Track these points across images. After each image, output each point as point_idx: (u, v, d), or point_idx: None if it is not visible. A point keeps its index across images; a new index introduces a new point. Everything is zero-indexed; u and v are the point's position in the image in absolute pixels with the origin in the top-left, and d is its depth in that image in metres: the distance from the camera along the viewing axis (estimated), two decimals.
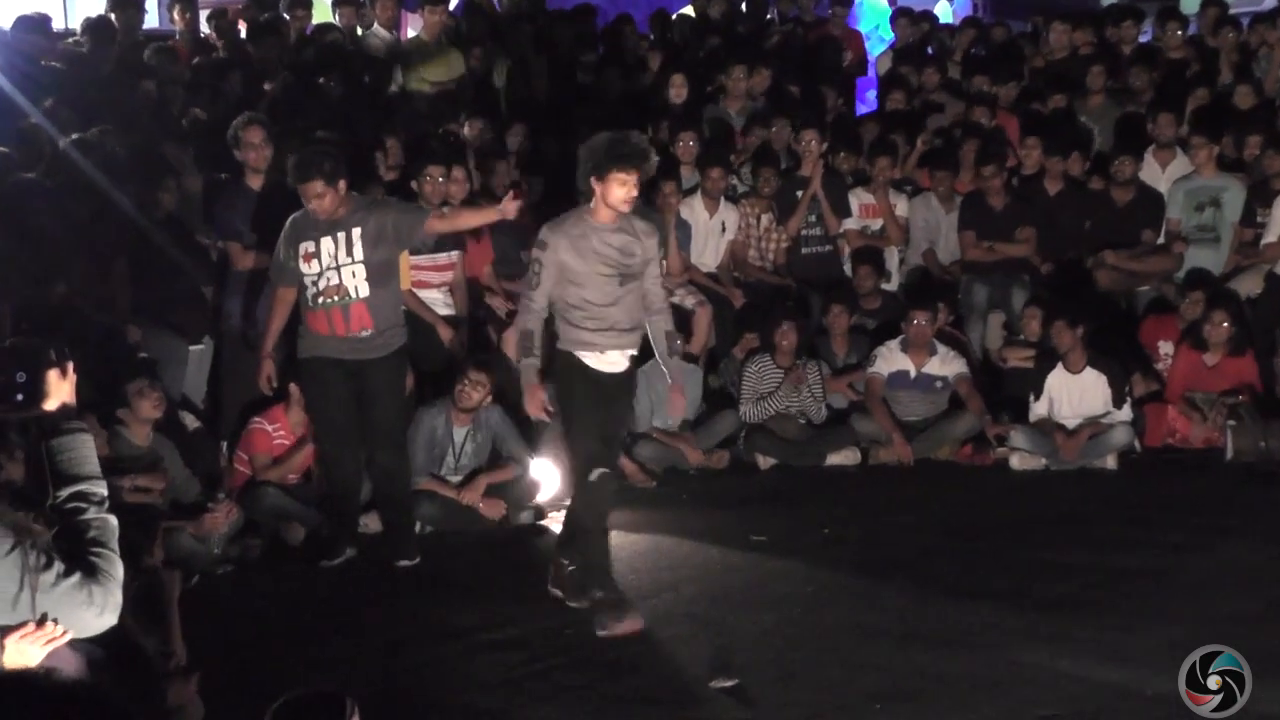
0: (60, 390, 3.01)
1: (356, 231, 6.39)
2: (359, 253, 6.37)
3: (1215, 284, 8.98)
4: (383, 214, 6.46)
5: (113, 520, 2.94)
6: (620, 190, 5.54)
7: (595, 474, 5.62)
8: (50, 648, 2.86)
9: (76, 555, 2.85)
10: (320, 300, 6.40)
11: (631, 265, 5.67)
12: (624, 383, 5.85)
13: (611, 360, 5.73)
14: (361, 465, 6.69)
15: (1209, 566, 6.16)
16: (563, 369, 5.74)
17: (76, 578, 2.81)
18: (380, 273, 6.43)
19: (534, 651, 5.29)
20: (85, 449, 2.96)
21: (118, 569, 2.88)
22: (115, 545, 2.91)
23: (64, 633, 2.83)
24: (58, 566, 2.80)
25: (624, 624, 5.45)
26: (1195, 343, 8.54)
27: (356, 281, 6.39)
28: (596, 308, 5.64)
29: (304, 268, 6.39)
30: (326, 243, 6.37)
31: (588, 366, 5.68)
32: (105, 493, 2.96)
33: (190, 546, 6.20)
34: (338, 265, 6.37)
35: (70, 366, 3.06)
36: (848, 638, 5.36)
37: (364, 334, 6.43)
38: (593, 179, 5.57)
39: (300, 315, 6.51)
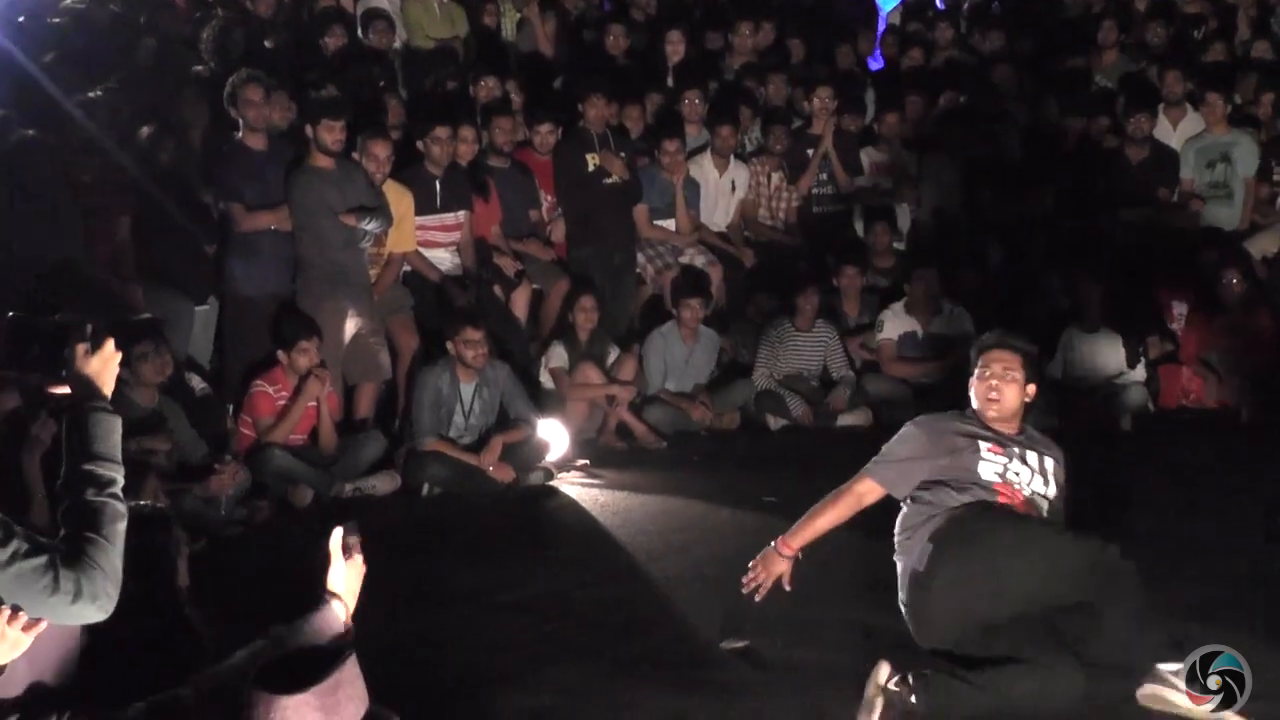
0: (87, 367, 2.88)
1: None
2: None
3: (1228, 242, 8.90)
4: None
5: (117, 506, 2.75)
6: None
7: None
8: (30, 635, 2.70)
9: (68, 538, 2.68)
10: None
11: None
12: None
13: None
14: None
15: (1224, 527, 6.12)
16: None
17: (42, 560, 2.61)
18: None
19: (544, 614, 5.25)
20: (100, 429, 2.81)
21: (109, 558, 2.68)
22: (111, 533, 2.71)
23: (38, 620, 2.66)
24: (16, 544, 2.62)
25: None
26: (1209, 302, 8.48)
27: None
28: None
29: None
30: None
31: None
32: (114, 476, 2.78)
33: (197, 508, 6.17)
34: None
35: (108, 344, 2.90)
36: (861, 599, 5.30)
37: None
38: None
39: None
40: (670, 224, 8.99)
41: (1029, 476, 4.52)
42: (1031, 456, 4.56)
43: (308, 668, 2.68)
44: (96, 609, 2.67)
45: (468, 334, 7.14)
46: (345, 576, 3.08)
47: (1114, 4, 10.85)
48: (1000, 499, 4.45)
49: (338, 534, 3.09)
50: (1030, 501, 4.50)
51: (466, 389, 7.23)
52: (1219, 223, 9.18)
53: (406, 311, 7.93)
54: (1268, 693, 4.10)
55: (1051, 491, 4.56)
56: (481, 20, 9.92)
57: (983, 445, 4.53)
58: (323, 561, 3.06)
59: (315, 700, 2.61)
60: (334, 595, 3.07)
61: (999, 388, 4.55)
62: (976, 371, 4.62)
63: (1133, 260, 9.26)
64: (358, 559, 3.10)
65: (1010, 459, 4.52)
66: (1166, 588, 5.24)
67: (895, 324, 8.49)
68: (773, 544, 4.64)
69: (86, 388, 2.86)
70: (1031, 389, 4.61)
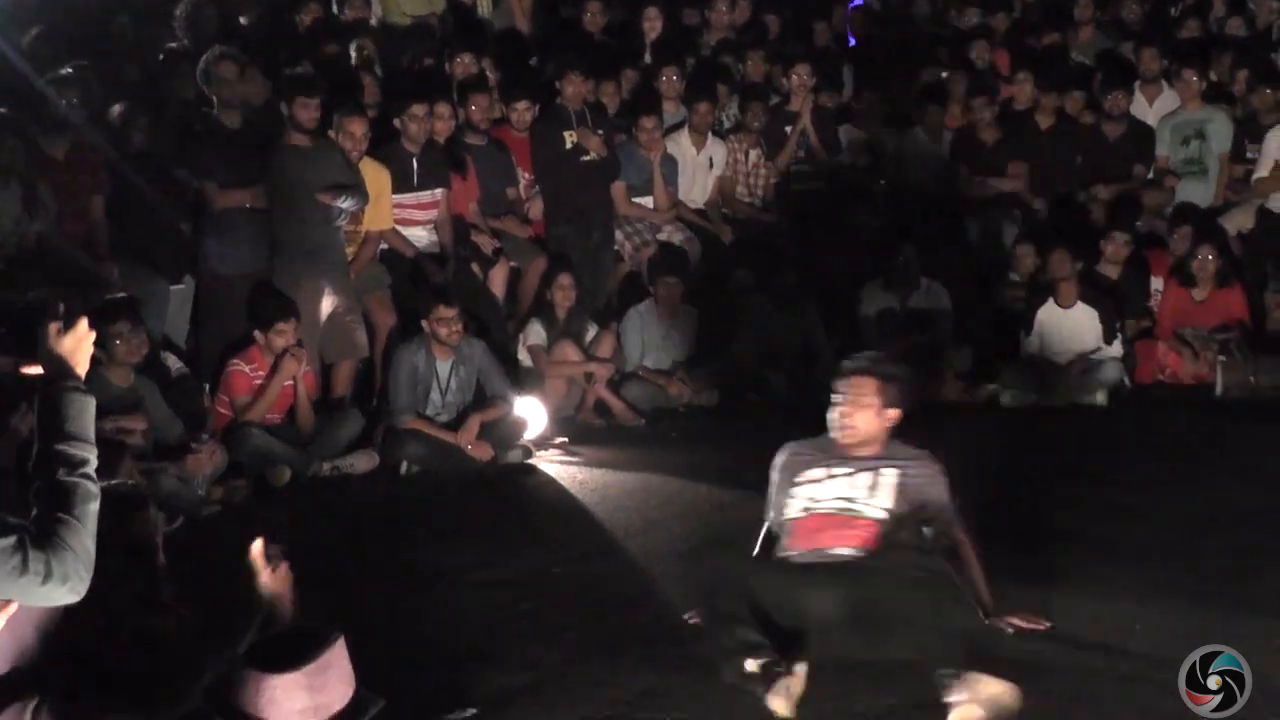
0: (60, 346, 2.81)
1: None
2: None
3: (1203, 218, 8.94)
4: None
5: (88, 486, 2.70)
6: None
7: None
8: (1, 616, 2.70)
9: (38, 518, 2.63)
10: None
11: None
12: None
13: None
14: None
15: (1198, 503, 6.13)
16: None
17: (10, 540, 2.57)
18: None
19: (523, 591, 5.25)
20: (72, 409, 2.75)
21: (80, 539, 2.63)
22: (83, 514, 2.66)
23: (8, 601, 2.65)
24: None
25: None
26: (1184, 278, 8.54)
27: None
28: None
29: None
30: None
31: None
32: (87, 456, 2.73)
33: (174, 488, 6.14)
34: None
35: (81, 323, 2.84)
36: None
37: None
38: None
39: None
40: (648, 201, 8.97)
41: (850, 495, 4.50)
42: (864, 477, 4.53)
43: (298, 648, 2.68)
44: (67, 590, 2.62)
45: (441, 311, 7.12)
46: (275, 584, 3.07)
47: None
48: (796, 531, 4.51)
49: (258, 544, 3.09)
50: (844, 513, 4.48)
51: (443, 366, 7.22)
52: (1193, 199, 9.22)
53: (384, 289, 7.91)
54: (1258, 676, 4.08)
55: (883, 503, 4.50)
56: None
57: (798, 481, 4.55)
58: (247, 574, 3.04)
59: (305, 680, 2.62)
60: (268, 605, 3.07)
61: (850, 413, 4.54)
62: (837, 394, 4.58)
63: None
64: (283, 567, 3.09)
65: (824, 480, 4.52)
66: (1156, 568, 5.29)
67: (873, 300, 8.50)
68: None
69: (59, 367, 2.81)
70: (893, 414, 4.57)
